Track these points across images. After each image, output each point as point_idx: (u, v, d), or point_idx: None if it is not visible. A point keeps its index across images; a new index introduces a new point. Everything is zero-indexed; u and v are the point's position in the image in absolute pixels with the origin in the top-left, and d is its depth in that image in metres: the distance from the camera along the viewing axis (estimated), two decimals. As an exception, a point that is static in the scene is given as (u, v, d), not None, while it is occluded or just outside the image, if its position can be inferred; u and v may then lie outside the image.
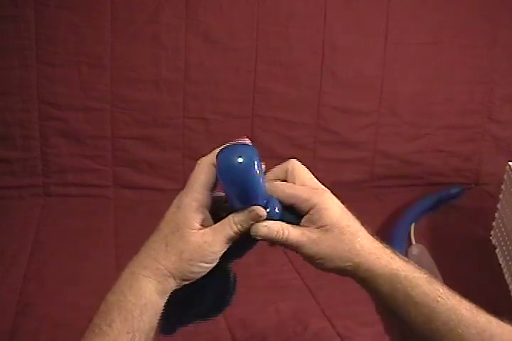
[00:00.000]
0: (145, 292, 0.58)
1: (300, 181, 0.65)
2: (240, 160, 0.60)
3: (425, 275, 0.63)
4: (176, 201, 0.64)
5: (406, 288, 0.61)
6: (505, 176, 1.60)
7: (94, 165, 1.83)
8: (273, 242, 0.63)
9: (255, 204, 0.61)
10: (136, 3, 1.77)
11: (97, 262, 1.44)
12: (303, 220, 0.63)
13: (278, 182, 0.65)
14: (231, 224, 0.61)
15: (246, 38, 1.85)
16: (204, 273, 0.61)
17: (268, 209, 0.61)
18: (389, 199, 1.90)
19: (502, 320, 0.61)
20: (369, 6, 1.91)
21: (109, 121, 1.81)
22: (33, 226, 1.60)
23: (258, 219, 0.61)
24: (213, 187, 0.63)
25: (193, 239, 0.60)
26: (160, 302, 0.59)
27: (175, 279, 0.60)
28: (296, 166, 0.67)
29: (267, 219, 0.62)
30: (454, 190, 1.97)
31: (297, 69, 1.91)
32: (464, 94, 2.05)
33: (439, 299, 0.61)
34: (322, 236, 0.62)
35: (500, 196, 1.62)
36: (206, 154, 1.97)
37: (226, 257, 0.63)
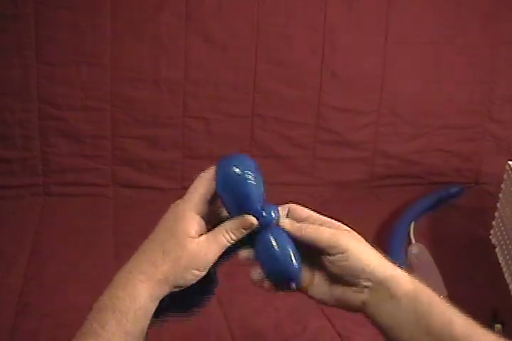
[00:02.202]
0: (140, 296, 0.60)
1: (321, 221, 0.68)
2: (235, 169, 0.63)
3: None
4: (172, 209, 0.66)
5: (430, 297, 0.63)
6: (505, 175, 1.60)
7: (94, 165, 1.83)
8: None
9: (249, 212, 0.64)
10: (136, 2, 1.77)
11: (97, 261, 1.44)
12: (325, 260, 0.65)
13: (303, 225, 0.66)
14: (224, 233, 0.63)
15: (246, 38, 1.85)
16: (195, 281, 0.62)
17: (264, 214, 0.64)
18: (389, 198, 1.90)
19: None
20: (369, 5, 1.91)
21: (109, 121, 1.81)
22: (33, 225, 1.60)
23: (249, 227, 0.64)
24: (212, 201, 0.65)
25: (190, 246, 0.61)
26: (151, 308, 0.60)
27: (168, 286, 0.61)
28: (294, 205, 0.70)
29: (265, 224, 0.64)
30: (453, 190, 1.97)
31: (297, 69, 1.91)
32: (464, 93, 2.05)
33: (455, 309, 0.63)
34: (351, 234, 0.66)
35: (500, 195, 1.62)
36: (206, 154, 1.97)
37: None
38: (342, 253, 0.62)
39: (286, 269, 0.64)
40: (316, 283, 0.68)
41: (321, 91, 1.93)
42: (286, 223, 0.66)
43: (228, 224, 0.64)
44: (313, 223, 0.66)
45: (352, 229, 0.67)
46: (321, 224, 0.66)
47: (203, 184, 0.66)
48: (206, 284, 0.67)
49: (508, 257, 1.48)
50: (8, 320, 1.19)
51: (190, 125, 1.87)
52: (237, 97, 1.89)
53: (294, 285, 0.65)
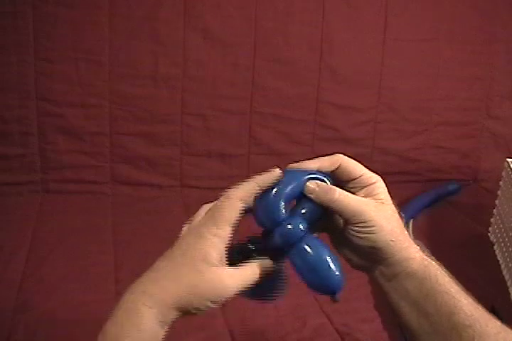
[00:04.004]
0: (145, 325, 0.55)
1: (359, 169, 0.67)
2: (269, 213, 0.61)
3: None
4: (194, 230, 0.60)
5: (436, 275, 0.61)
6: (503, 173, 1.60)
7: (93, 162, 1.83)
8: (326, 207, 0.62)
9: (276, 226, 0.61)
10: (135, -1, 1.77)
11: (96, 258, 1.44)
12: (358, 193, 0.64)
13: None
14: (254, 274, 0.60)
15: (244, 34, 1.85)
16: (204, 312, 0.58)
17: (290, 226, 0.60)
18: (387, 195, 1.89)
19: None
20: (367, 2, 1.91)
21: (108, 118, 1.81)
22: (32, 222, 1.60)
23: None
24: (236, 224, 0.61)
25: (209, 276, 0.57)
26: (160, 332, 0.56)
27: (179, 312, 0.57)
28: (347, 159, 0.67)
29: (290, 237, 0.61)
30: (452, 187, 1.97)
31: (296, 66, 1.91)
32: (463, 90, 2.05)
33: (462, 292, 0.61)
34: (380, 206, 0.63)
35: (499, 192, 1.62)
36: (204, 151, 1.95)
37: None
38: (365, 227, 0.61)
39: (328, 282, 0.61)
40: (337, 231, 0.65)
41: (319, 88, 1.93)
42: (310, 188, 0.62)
43: (261, 264, 0.61)
44: (358, 185, 0.64)
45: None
46: (365, 186, 0.64)
47: (232, 208, 0.60)
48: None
49: (506, 254, 1.48)
50: (7, 316, 1.19)
51: (189, 122, 1.87)
52: (235, 94, 1.89)
53: (337, 297, 0.61)
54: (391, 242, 0.61)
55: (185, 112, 1.86)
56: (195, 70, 1.84)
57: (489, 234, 1.66)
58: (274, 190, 0.61)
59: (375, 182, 0.65)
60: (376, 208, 0.62)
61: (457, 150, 2.09)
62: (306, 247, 0.61)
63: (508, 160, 1.57)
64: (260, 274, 0.60)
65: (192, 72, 1.84)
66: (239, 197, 0.60)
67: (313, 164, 0.65)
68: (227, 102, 1.88)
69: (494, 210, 1.64)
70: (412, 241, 0.65)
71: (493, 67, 2.04)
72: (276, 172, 0.64)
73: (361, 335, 1.21)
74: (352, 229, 0.61)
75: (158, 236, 1.53)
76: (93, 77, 1.78)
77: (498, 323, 0.59)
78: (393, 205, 0.66)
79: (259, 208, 0.61)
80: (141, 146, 1.85)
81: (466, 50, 2.01)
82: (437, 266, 0.63)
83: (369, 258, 0.63)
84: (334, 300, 0.62)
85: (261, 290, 0.65)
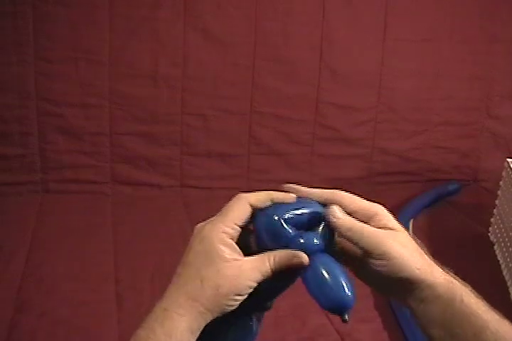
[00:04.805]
0: (177, 331, 0.57)
1: (357, 201, 0.63)
2: (272, 226, 0.60)
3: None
4: (202, 231, 0.61)
5: (462, 296, 0.60)
6: (503, 173, 1.60)
7: (93, 162, 1.83)
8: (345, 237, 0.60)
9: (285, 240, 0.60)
10: (135, -1, 1.77)
11: (96, 258, 1.43)
12: (368, 260, 0.61)
13: (347, 196, 0.62)
14: (270, 262, 0.59)
15: (244, 34, 1.85)
16: (237, 305, 0.58)
17: (303, 240, 0.59)
18: (387, 195, 1.89)
19: None
20: (367, 2, 1.91)
21: (107, 118, 1.81)
22: (32, 222, 1.60)
23: (299, 265, 0.59)
24: (244, 226, 0.60)
25: (230, 272, 0.58)
26: (191, 339, 0.58)
27: (212, 315, 0.58)
28: (342, 194, 0.64)
29: (305, 251, 0.59)
30: (452, 187, 1.97)
31: (296, 66, 1.91)
32: (463, 90, 2.05)
33: (490, 310, 0.60)
34: (393, 235, 0.61)
35: (499, 192, 1.62)
36: (204, 151, 1.95)
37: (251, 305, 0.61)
38: (387, 260, 0.59)
39: (340, 301, 0.59)
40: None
41: (319, 87, 1.93)
42: (339, 219, 0.60)
43: (278, 256, 0.59)
44: (360, 218, 0.61)
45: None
46: (369, 218, 0.61)
47: (240, 208, 0.61)
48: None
49: (506, 254, 1.48)
50: (7, 316, 1.19)
51: (189, 122, 1.87)
52: (235, 94, 1.89)
53: (347, 317, 0.59)
54: (417, 270, 0.61)
55: (185, 112, 1.86)
56: (195, 70, 1.84)
57: (489, 234, 1.66)
58: (276, 213, 0.60)
59: (376, 212, 0.64)
60: (391, 237, 0.60)
61: (457, 150, 2.09)
62: (319, 263, 0.59)
63: (508, 160, 1.57)
64: (275, 261, 0.59)
65: (192, 72, 1.84)
66: (249, 199, 0.61)
67: (311, 194, 0.63)
68: (227, 102, 1.88)
69: (494, 210, 1.64)
70: (433, 263, 0.64)
71: (493, 67, 2.04)
72: (292, 195, 0.63)
73: (361, 335, 1.21)
74: (373, 263, 0.60)
75: (158, 236, 1.54)
76: (93, 77, 1.78)
77: None
78: (405, 231, 0.64)
79: (261, 229, 0.60)
80: (141, 146, 1.85)
81: (466, 50, 2.01)
82: (462, 287, 0.62)
83: (395, 287, 0.61)
84: (344, 321, 0.59)
85: None
